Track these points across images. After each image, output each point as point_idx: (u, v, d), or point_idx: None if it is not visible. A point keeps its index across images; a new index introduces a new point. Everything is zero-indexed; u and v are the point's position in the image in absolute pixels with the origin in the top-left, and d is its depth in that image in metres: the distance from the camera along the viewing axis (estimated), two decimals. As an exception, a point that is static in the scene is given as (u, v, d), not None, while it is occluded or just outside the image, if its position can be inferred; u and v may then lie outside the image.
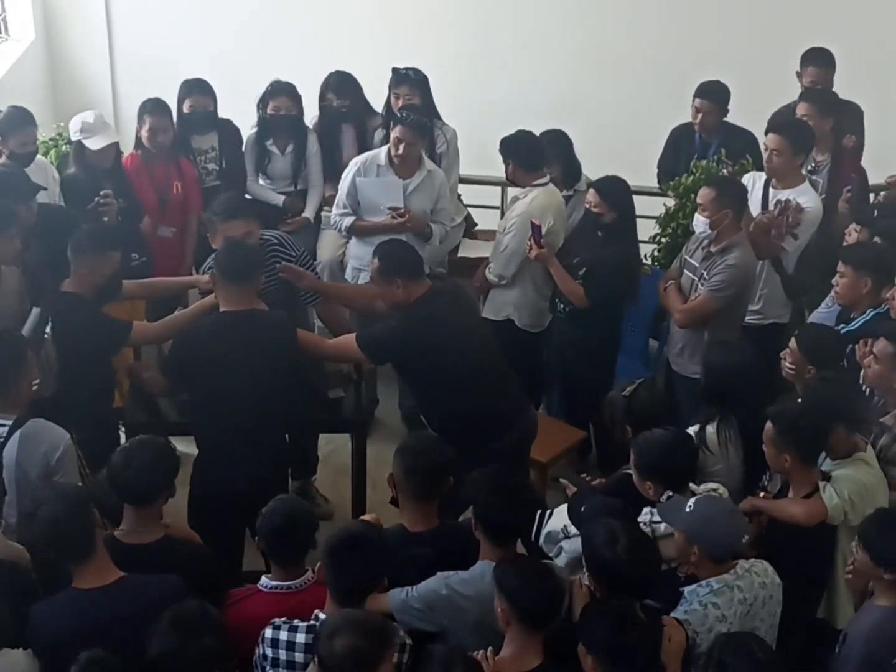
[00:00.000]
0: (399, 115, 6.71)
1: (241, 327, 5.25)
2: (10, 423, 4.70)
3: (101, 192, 6.40)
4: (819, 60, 7.45)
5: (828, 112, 7.07)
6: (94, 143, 6.51)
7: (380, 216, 6.81)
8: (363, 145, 7.43)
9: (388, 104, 7.40)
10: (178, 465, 4.55)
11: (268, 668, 4.04)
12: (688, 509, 4.28)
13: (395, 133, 6.65)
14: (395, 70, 7.33)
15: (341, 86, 7.40)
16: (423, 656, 3.88)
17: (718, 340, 6.00)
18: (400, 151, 6.64)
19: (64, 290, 5.49)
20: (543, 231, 6.51)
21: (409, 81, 7.27)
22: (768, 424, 4.76)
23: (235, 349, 5.22)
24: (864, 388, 5.24)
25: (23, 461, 4.67)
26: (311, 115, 7.51)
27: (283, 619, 3.99)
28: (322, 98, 7.46)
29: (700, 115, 7.39)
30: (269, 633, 4.04)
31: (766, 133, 6.66)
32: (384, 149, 6.83)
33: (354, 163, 6.86)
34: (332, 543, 4.09)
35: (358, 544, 4.06)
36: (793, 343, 5.40)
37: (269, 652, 4.03)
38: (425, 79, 7.32)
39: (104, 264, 5.55)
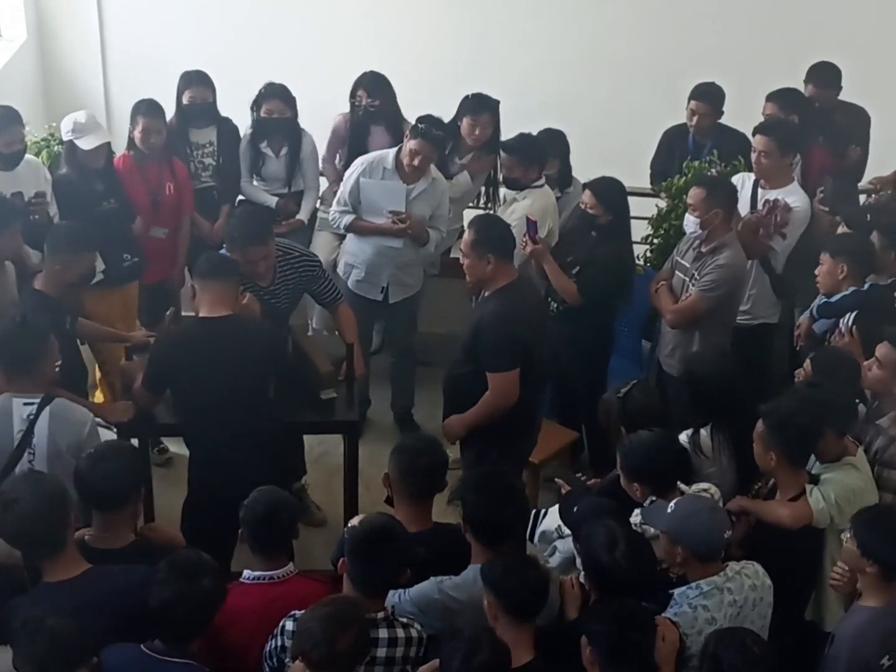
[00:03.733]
0: (419, 127, 6.66)
1: (219, 334, 5.23)
2: (37, 401, 4.84)
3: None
4: (818, 80, 7.42)
5: (792, 110, 7.09)
6: (86, 143, 6.49)
7: (380, 218, 6.82)
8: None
9: (455, 127, 7.22)
10: (145, 470, 4.57)
11: (286, 659, 4.02)
12: (669, 510, 4.29)
13: (412, 145, 6.63)
14: (476, 97, 7.20)
15: (374, 85, 7.35)
16: (452, 635, 3.90)
17: (697, 351, 6.00)
18: (415, 163, 6.65)
19: (33, 288, 5.60)
20: (544, 233, 6.53)
21: (491, 110, 7.20)
22: (759, 421, 4.77)
23: (215, 356, 5.20)
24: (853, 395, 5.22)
25: (55, 435, 4.82)
26: (307, 115, 7.46)
27: (303, 611, 3.96)
28: (352, 95, 7.40)
29: (696, 118, 7.40)
30: (289, 625, 4.03)
31: (754, 134, 6.68)
32: (391, 152, 6.82)
33: (361, 162, 6.85)
34: (359, 537, 4.11)
35: (384, 536, 4.09)
36: (807, 365, 5.39)
37: (288, 644, 4.00)
38: (498, 104, 7.26)
39: (77, 264, 5.64)
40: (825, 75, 7.43)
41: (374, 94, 7.34)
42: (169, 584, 3.89)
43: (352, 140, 7.46)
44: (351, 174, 6.86)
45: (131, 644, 3.90)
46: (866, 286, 5.82)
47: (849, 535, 4.24)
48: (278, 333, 5.66)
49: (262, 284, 5.91)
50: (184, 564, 3.95)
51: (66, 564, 4.14)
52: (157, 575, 3.93)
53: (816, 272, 5.96)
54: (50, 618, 3.70)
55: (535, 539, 4.90)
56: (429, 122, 6.71)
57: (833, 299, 5.80)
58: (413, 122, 7.09)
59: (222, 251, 5.99)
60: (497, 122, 7.26)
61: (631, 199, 6.58)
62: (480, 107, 7.19)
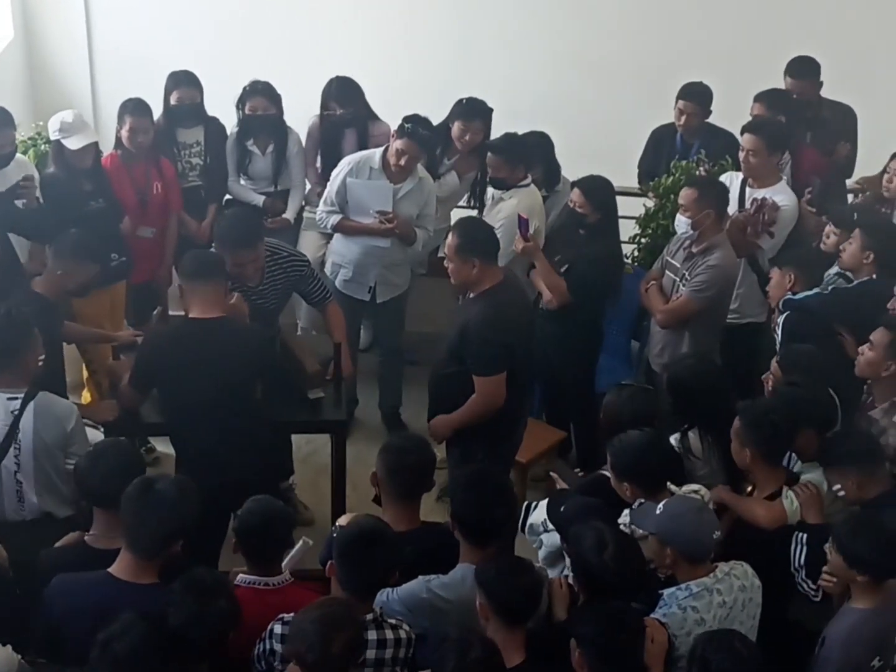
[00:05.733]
0: (405, 127, 6.63)
1: (207, 335, 5.21)
2: (21, 395, 4.85)
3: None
4: (797, 72, 7.46)
5: (779, 110, 7.13)
6: (73, 143, 6.48)
7: (367, 218, 6.81)
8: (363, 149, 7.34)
9: (446, 128, 7.25)
10: (144, 468, 4.57)
11: (275, 663, 4.02)
12: (658, 511, 4.29)
13: (399, 145, 6.62)
14: (469, 102, 7.21)
15: (343, 94, 7.34)
16: (440, 639, 3.92)
17: (677, 357, 6.00)
18: (402, 163, 6.65)
19: (33, 290, 5.63)
20: (531, 231, 6.52)
21: (483, 117, 7.20)
22: (736, 418, 4.79)
23: (202, 357, 5.17)
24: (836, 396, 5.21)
25: (40, 430, 4.84)
26: (294, 113, 7.47)
27: (292, 614, 3.95)
28: (325, 106, 7.40)
29: (684, 117, 7.42)
30: (278, 628, 4.02)
31: (742, 133, 6.71)
32: (378, 151, 6.81)
33: (347, 162, 6.84)
34: (347, 540, 4.10)
35: (372, 539, 4.08)
36: (775, 366, 5.40)
37: (277, 647, 4.00)
38: (492, 112, 7.26)
39: (79, 272, 5.71)
40: (803, 67, 7.47)
41: (345, 103, 7.34)
42: (187, 604, 3.87)
43: (324, 146, 7.48)
44: (337, 174, 6.85)
45: None
46: (829, 289, 5.90)
47: (832, 547, 4.24)
48: (267, 337, 5.64)
49: (250, 285, 5.90)
50: (200, 585, 3.94)
51: (139, 569, 4.11)
52: (173, 596, 3.92)
53: (767, 288, 6.10)
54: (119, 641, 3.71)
55: (525, 531, 4.90)
56: (415, 121, 6.69)
57: (797, 297, 5.85)
58: (386, 123, 7.24)
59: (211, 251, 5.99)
60: (488, 128, 7.26)
61: (619, 199, 6.58)
62: (473, 113, 7.19)
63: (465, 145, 7.23)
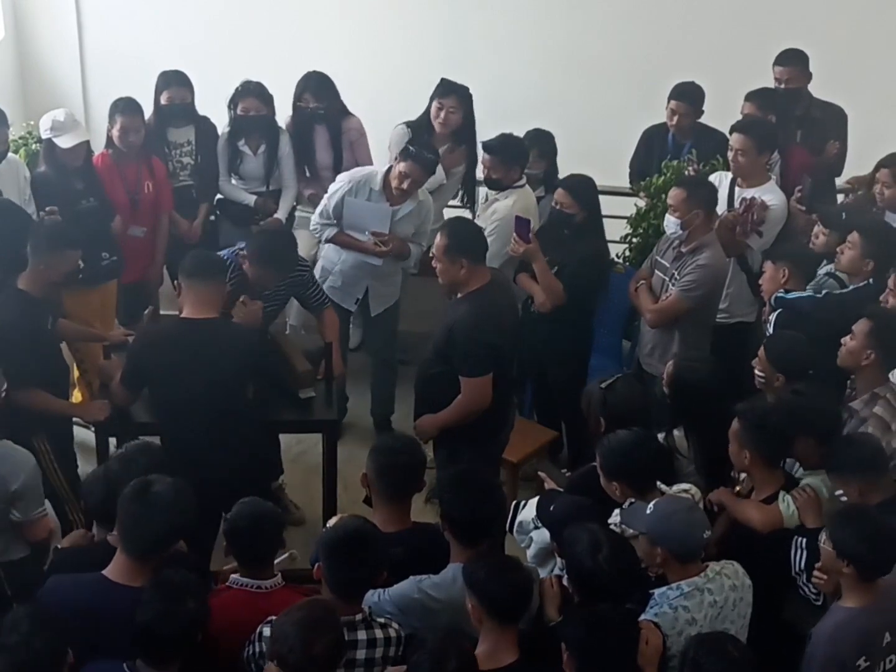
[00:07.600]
0: (409, 149, 6.57)
1: (198, 336, 5.22)
2: None
3: (47, 209, 6.38)
4: (785, 59, 7.50)
5: (770, 109, 7.15)
6: (65, 142, 6.47)
7: (362, 235, 6.78)
8: (337, 147, 7.42)
9: (426, 113, 7.28)
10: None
11: (264, 664, 3.98)
12: (648, 511, 4.29)
13: (403, 167, 6.52)
14: (444, 81, 7.23)
15: (319, 88, 7.34)
16: (416, 644, 3.93)
17: (685, 356, 5.98)
18: (405, 186, 6.57)
19: (17, 287, 5.54)
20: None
21: (458, 93, 7.20)
22: (735, 420, 4.79)
23: (192, 357, 5.18)
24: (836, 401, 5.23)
25: None
26: (283, 113, 7.48)
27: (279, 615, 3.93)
28: (298, 98, 7.41)
29: (676, 117, 7.42)
30: (266, 630, 3.99)
31: (731, 133, 6.71)
32: (379, 172, 6.73)
33: (347, 181, 6.76)
34: (333, 540, 4.09)
35: (359, 539, 4.06)
36: (761, 352, 5.43)
37: (266, 650, 3.98)
38: (472, 97, 7.26)
39: (61, 262, 5.60)
40: (790, 55, 7.50)
41: (320, 97, 7.34)
42: (154, 604, 3.86)
43: (296, 139, 7.47)
44: (336, 190, 6.76)
45: (113, 661, 3.86)
46: (823, 293, 5.89)
47: (824, 537, 4.26)
48: (258, 337, 5.64)
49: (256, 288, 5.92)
50: (168, 586, 3.93)
51: (132, 570, 4.10)
52: (142, 596, 3.91)
53: (760, 281, 6.11)
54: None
55: (514, 530, 4.91)
56: (419, 144, 6.66)
57: (789, 296, 5.86)
58: (356, 117, 7.35)
59: (224, 252, 6.01)
60: (468, 110, 7.25)
61: (610, 199, 6.59)
62: (447, 90, 7.20)
63: (443, 125, 7.20)
